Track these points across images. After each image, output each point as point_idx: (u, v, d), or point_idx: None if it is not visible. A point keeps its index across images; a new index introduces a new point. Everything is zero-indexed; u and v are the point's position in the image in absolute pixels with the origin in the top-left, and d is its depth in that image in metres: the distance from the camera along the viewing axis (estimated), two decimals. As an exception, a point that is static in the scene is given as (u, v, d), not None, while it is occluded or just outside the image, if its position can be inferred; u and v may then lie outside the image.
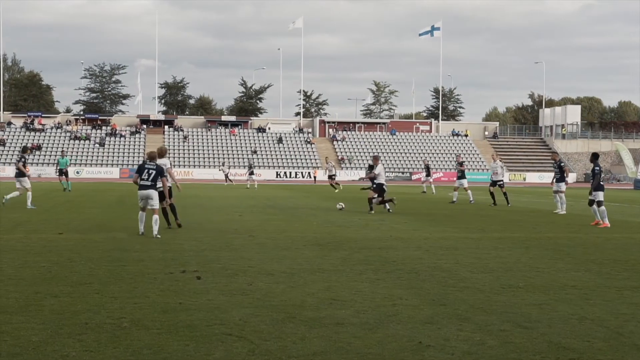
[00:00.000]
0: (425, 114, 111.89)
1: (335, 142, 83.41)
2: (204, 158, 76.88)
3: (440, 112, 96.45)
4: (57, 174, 36.77)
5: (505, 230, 16.84)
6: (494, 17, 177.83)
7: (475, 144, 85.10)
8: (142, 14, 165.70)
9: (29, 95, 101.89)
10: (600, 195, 18.41)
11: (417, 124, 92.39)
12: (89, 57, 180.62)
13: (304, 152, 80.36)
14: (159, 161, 15.15)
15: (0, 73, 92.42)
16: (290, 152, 79.76)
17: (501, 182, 26.97)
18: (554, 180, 23.07)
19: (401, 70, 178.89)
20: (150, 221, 14.01)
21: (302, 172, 73.86)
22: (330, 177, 42.01)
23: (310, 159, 78.12)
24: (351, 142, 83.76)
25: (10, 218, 18.06)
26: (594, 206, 18.56)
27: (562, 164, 23.28)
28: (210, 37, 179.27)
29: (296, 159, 78.45)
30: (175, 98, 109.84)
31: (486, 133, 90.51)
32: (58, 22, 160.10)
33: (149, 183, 14.25)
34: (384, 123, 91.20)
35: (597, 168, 18.62)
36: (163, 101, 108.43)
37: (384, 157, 79.91)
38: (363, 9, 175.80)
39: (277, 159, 78.11)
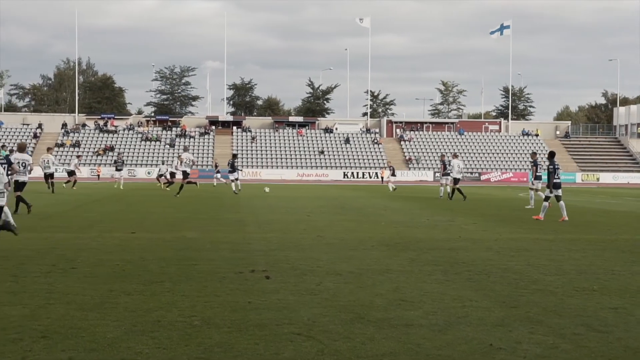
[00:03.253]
0: (494, 114, 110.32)
1: (402, 142, 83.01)
2: (271, 159, 77.53)
3: (509, 111, 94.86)
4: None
5: (578, 232, 16.42)
6: (564, 15, 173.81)
7: (547, 144, 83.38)
8: (211, 17, 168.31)
9: (102, 97, 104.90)
10: (548, 191, 19.68)
11: (486, 123, 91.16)
12: (159, 59, 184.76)
13: (371, 152, 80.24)
14: (21, 155, 18.33)
15: (75, 76, 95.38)
16: (357, 152, 79.75)
17: (457, 179, 29.46)
18: (534, 178, 24.78)
19: (469, 69, 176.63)
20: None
21: (369, 173, 73.74)
22: (159, 177, 39.75)
23: (378, 160, 77.91)
24: (419, 142, 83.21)
25: (85, 217, 18.61)
26: (546, 203, 19.80)
27: (539, 164, 24.87)
28: (277, 39, 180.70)
29: (363, 160, 78.37)
30: (243, 99, 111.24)
31: (557, 132, 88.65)
32: (130, 25, 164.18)
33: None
34: (452, 123, 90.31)
35: (552, 167, 19.66)
36: (231, 102, 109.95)
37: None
38: (429, 8, 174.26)
39: (344, 159, 78.22)
